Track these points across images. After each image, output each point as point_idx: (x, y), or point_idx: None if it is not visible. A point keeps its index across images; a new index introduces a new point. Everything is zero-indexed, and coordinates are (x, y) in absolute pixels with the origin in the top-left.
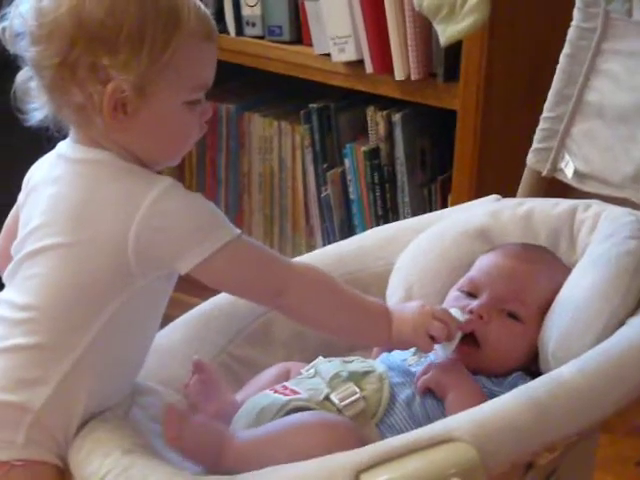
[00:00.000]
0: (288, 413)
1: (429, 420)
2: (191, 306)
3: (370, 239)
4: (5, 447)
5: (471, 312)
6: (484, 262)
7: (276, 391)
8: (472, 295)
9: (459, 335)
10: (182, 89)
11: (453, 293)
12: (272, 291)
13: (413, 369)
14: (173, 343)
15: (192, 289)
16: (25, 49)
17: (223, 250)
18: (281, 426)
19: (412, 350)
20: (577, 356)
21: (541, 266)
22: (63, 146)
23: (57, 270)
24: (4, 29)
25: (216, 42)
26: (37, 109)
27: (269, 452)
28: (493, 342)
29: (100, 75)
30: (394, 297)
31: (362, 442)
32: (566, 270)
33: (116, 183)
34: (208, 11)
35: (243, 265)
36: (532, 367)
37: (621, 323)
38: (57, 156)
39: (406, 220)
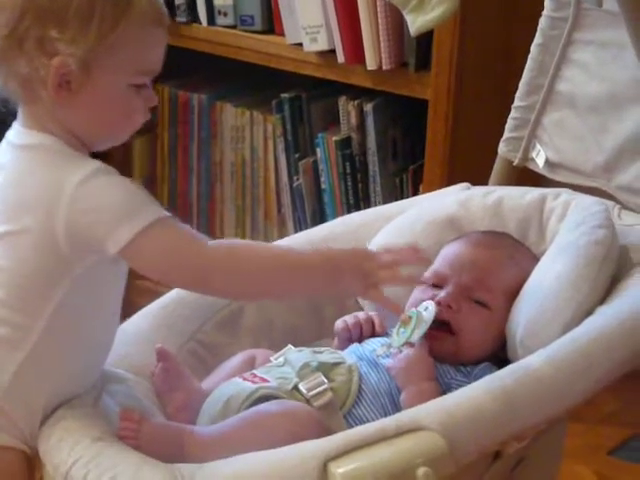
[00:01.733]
0: (256, 401)
1: (397, 411)
2: (159, 294)
3: (340, 226)
4: None
5: (439, 303)
6: (446, 252)
7: (245, 379)
8: (438, 286)
9: (429, 321)
10: (128, 70)
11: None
12: (196, 277)
13: (382, 360)
14: (141, 331)
15: None
16: None
17: (149, 230)
18: (243, 419)
19: (381, 341)
20: (545, 344)
21: (503, 251)
22: (11, 132)
23: (7, 259)
24: None
25: (166, 28)
26: None
27: (233, 445)
28: (466, 329)
29: (47, 48)
30: None
31: (326, 430)
32: (531, 256)
33: (48, 168)
34: None
35: (167, 248)
36: (500, 354)
37: (589, 312)
38: (6, 143)
39: (376, 208)
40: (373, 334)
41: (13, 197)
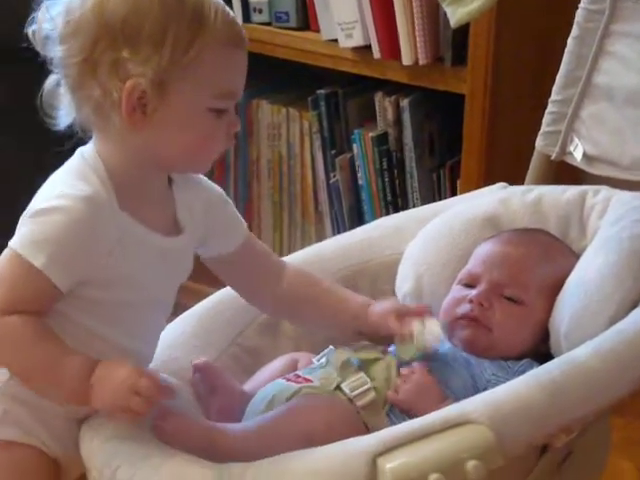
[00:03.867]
0: None
1: None
2: (204, 295)
3: (377, 229)
4: None
5: (471, 301)
6: (479, 252)
7: (288, 379)
8: (471, 286)
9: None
10: (205, 94)
11: (454, 287)
12: None
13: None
14: (184, 335)
15: (204, 278)
16: (54, 50)
17: (17, 258)
18: (277, 412)
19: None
20: (590, 337)
21: (534, 248)
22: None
23: None
24: (34, 32)
25: (245, 50)
26: (64, 115)
27: (267, 438)
28: (500, 326)
29: (120, 71)
30: (404, 287)
31: (362, 423)
32: (569, 251)
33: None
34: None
35: None
36: (542, 349)
37: (634, 304)
38: None
39: (413, 209)
40: None
41: None
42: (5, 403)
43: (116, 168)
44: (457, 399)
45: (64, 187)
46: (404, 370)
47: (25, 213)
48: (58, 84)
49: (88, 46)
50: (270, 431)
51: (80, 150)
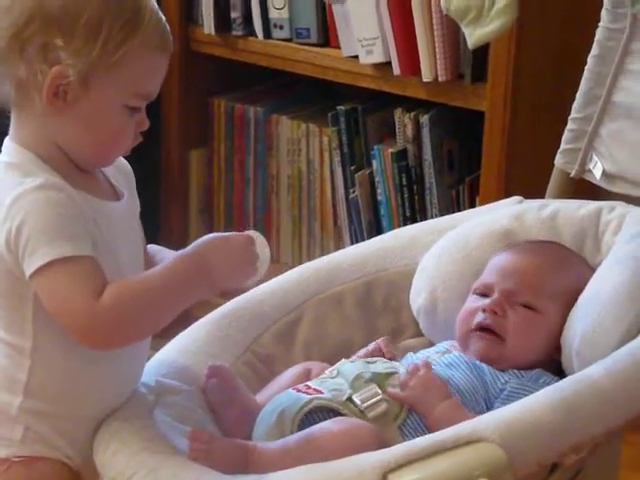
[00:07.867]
0: (310, 412)
1: None
2: (215, 307)
3: (393, 240)
4: (3, 444)
5: (485, 310)
6: (493, 262)
7: (299, 390)
8: (485, 295)
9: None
10: (125, 91)
11: (469, 297)
12: (81, 337)
13: (436, 367)
14: (197, 342)
15: None
16: None
17: (60, 264)
18: (304, 439)
19: (434, 349)
20: (602, 355)
21: (547, 256)
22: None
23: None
24: None
25: (169, 55)
26: None
27: (294, 465)
28: (513, 333)
29: (49, 56)
30: (419, 299)
31: (384, 446)
32: (584, 263)
33: (6, 186)
34: (167, 25)
35: (55, 292)
36: (555, 356)
37: None
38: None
39: (429, 221)
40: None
41: None
42: (25, 421)
43: (44, 152)
44: (463, 401)
45: (17, 189)
46: (409, 367)
47: (11, 238)
48: None
49: (20, 24)
50: (297, 457)
51: (2, 158)
